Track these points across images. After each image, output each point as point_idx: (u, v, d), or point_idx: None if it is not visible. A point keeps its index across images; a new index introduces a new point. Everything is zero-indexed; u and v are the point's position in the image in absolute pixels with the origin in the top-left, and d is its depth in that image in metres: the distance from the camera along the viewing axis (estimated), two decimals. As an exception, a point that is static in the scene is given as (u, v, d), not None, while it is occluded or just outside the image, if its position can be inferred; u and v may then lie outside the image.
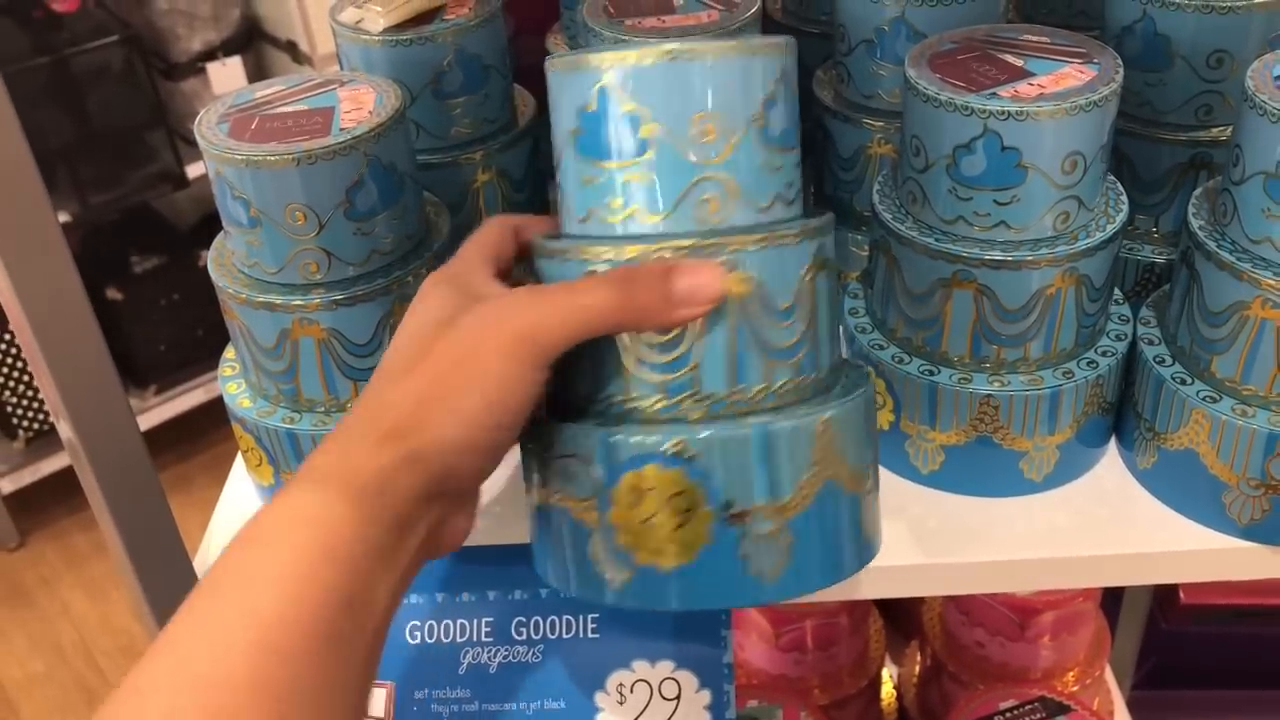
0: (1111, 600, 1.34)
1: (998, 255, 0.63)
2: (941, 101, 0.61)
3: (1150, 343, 0.68)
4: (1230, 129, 0.67)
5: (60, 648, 2.04)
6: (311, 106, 0.64)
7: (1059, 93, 0.60)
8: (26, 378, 2.16)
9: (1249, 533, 0.65)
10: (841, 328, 0.73)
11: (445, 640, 0.65)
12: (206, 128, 0.63)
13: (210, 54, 2.15)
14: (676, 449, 0.47)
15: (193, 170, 2.14)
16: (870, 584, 0.65)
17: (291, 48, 2.15)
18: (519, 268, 0.55)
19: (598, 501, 0.49)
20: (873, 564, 0.54)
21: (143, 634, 0.48)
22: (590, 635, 0.65)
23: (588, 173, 0.49)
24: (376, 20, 0.73)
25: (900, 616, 1.34)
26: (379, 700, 0.65)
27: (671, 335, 0.48)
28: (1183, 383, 0.65)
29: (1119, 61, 0.63)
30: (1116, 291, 0.71)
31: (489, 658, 0.65)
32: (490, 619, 0.65)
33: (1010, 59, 0.64)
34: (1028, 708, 1.08)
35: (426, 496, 0.46)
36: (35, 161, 0.56)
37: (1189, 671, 1.43)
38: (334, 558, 0.43)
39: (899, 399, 0.68)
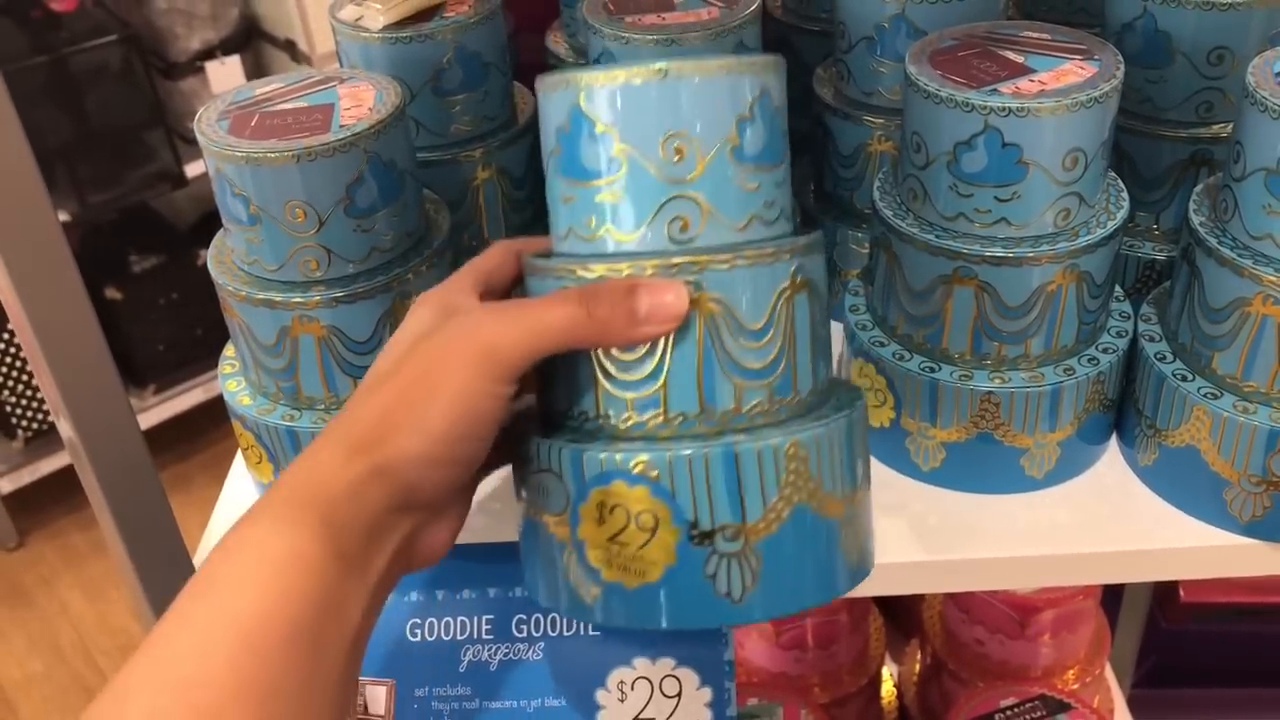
0: (1111, 598, 1.34)
1: (998, 252, 0.63)
2: (942, 98, 0.61)
3: (1151, 339, 0.68)
4: (1231, 125, 0.67)
5: (59, 647, 2.04)
6: (311, 103, 0.64)
7: (1060, 89, 0.60)
8: (25, 377, 2.16)
9: (1250, 529, 0.65)
10: (844, 328, 0.73)
11: (446, 637, 0.65)
12: (206, 125, 0.63)
13: (209, 53, 2.15)
14: (641, 466, 0.47)
15: (191, 169, 2.14)
16: (871, 582, 0.64)
17: (290, 47, 2.15)
18: (518, 290, 0.55)
19: (569, 517, 0.49)
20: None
21: (141, 633, 0.49)
22: (591, 632, 0.65)
23: (566, 191, 0.50)
24: (376, 18, 0.73)
25: (900, 615, 1.34)
26: (379, 697, 0.65)
27: (640, 353, 0.48)
28: (1184, 379, 0.65)
29: (1120, 58, 0.63)
30: (1117, 288, 0.71)
31: (490, 655, 0.65)
32: (491, 616, 0.65)
33: (1011, 55, 0.64)
34: (1028, 706, 1.08)
35: (395, 508, 0.47)
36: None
37: (1189, 670, 1.44)
38: (308, 567, 0.44)
39: (899, 396, 0.68)
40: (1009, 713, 1.07)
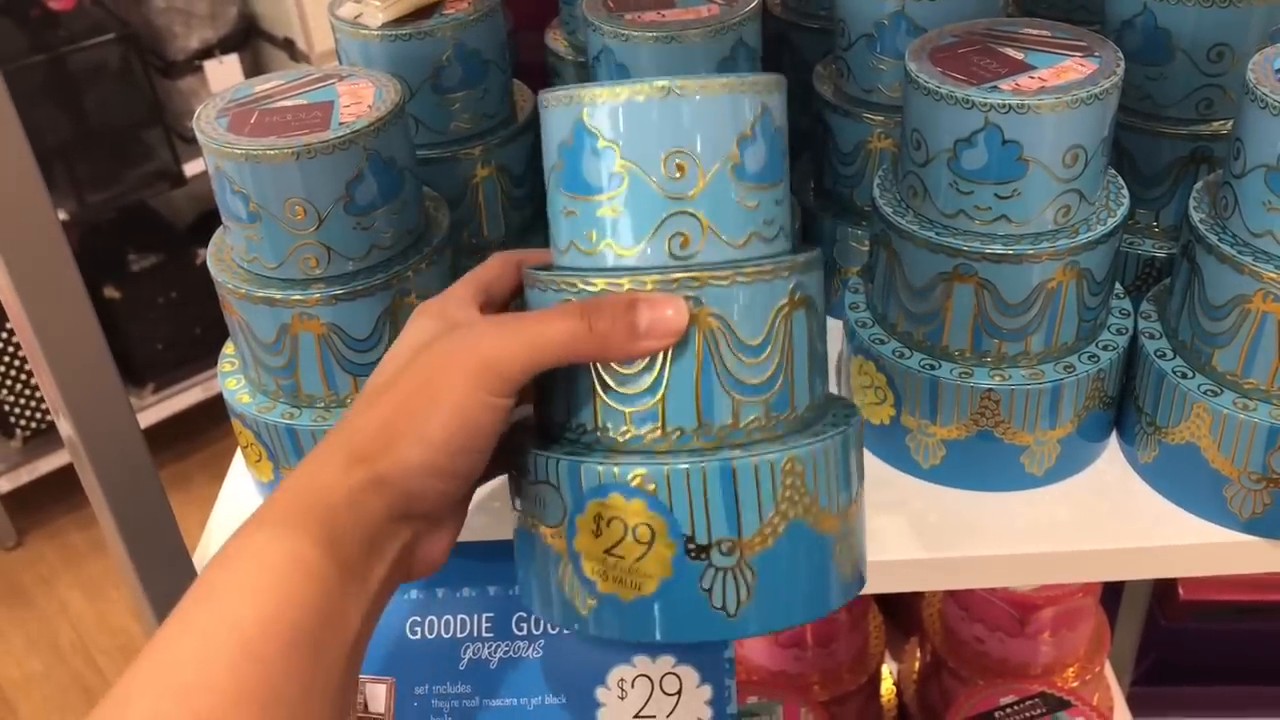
0: (1111, 596, 1.35)
1: (998, 249, 0.63)
2: (942, 95, 0.61)
3: (1151, 337, 0.68)
4: (1231, 122, 0.67)
5: (58, 647, 2.04)
6: (311, 101, 0.64)
7: (1060, 86, 0.60)
8: (24, 376, 2.16)
9: (1250, 526, 0.65)
10: (844, 326, 0.73)
11: (446, 635, 0.65)
12: (205, 122, 0.63)
13: (207, 52, 2.15)
14: (639, 480, 0.48)
15: (190, 168, 2.14)
16: (871, 579, 0.64)
17: (289, 45, 2.15)
18: (518, 301, 0.56)
19: (566, 528, 0.49)
20: (873, 558, 0.53)
21: (141, 633, 0.49)
22: (591, 631, 0.65)
23: (568, 205, 0.50)
24: (375, 15, 0.73)
25: (900, 612, 1.34)
26: (379, 695, 0.65)
27: (639, 367, 0.48)
28: (1184, 376, 0.65)
29: (1120, 55, 0.63)
30: (1117, 286, 0.71)
31: (490, 653, 0.65)
32: (491, 614, 0.65)
33: (1011, 52, 0.64)
34: (1027, 703, 1.08)
35: (395, 517, 0.48)
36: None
37: (1188, 667, 1.44)
38: (309, 574, 0.45)
39: (899, 394, 0.68)
40: (1009, 710, 1.07)
